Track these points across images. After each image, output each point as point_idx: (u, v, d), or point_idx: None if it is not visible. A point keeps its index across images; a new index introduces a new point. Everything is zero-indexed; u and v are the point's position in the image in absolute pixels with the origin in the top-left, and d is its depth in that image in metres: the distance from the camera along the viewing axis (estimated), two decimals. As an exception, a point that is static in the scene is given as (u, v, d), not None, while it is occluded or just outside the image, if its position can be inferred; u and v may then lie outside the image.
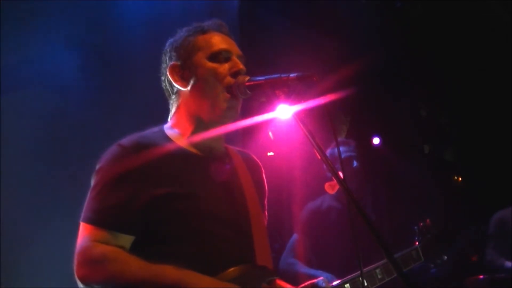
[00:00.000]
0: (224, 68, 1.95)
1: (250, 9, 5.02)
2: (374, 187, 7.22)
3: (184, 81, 1.97)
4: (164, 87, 2.07)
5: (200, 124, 1.96)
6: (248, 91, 1.92)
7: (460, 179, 7.71)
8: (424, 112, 7.35)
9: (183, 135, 1.97)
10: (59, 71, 3.65)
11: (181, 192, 1.82)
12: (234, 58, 1.98)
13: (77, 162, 3.40)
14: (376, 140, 7.15)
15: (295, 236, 3.97)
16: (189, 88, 1.97)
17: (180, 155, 1.91)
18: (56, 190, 3.47)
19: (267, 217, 2.16)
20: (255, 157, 2.20)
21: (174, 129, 1.99)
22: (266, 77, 1.88)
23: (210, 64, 1.95)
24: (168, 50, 2.04)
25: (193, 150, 1.95)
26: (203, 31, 2.01)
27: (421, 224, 2.31)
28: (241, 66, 1.96)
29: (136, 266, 1.68)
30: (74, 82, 3.70)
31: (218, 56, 1.96)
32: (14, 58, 3.48)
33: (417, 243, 2.24)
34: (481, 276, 5.11)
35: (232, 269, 1.79)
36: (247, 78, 1.92)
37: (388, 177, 7.31)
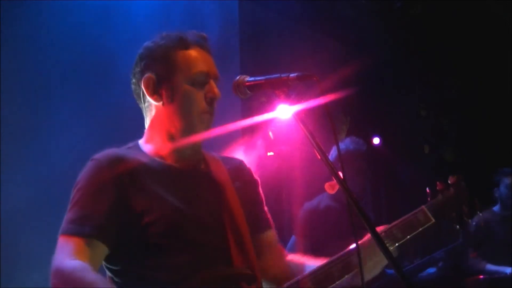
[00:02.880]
0: (201, 93, 1.93)
1: (250, 9, 5.03)
2: (374, 187, 7.23)
3: (158, 96, 1.95)
4: (133, 90, 2.03)
5: (172, 141, 1.95)
6: (248, 91, 1.91)
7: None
8: (424, 112, 7.36)
9: (158, 150, 1.96)
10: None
11: (150, 205, 1.82)
12: (211, 82, 1.95)
13: (80, 161, 3.39)
14: (376, 140, 7.16)
15: (293, 238, 3.96)
16: (162, 104, 1.95)
17: (155, 167, 1.91)
18: (57, 190, 3.47)
19: (266, 212, 2.14)
20: (238, 159, 2.19)
21: (148, 145, 1.99)
22: (266, 77, 1.87)
23: (187, 87, 1.92)
24: (145, 55, 1.99)
25: (168, 161, 1.95)
26: (185, 46, 1.96)
27: (437, 183, 2.12)
28: (217, 93, 1.94)
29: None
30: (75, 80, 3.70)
31: (196, 80, 1.93)
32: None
33: (424, 205, 2.08)
34: (481, 276, 5.12)
35: (203, 274, 1.80)
36: (247, 78, 1.91)
37: (388, 177, 7.32)
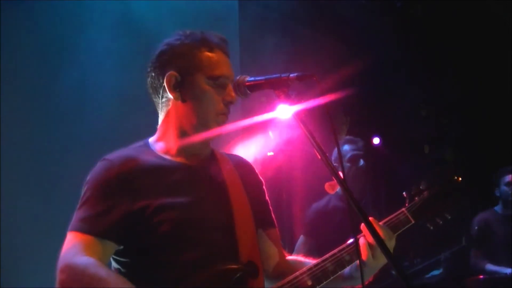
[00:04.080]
0: (219, 95, 1.96)
1: (250, 9, 5.02)
2: (374, 187, 7.23)
3: (178, 93, 1.97)
4: (150, 83, 2.04)
5: (186, 138, 1.99)
6: (248, 91, 1.93)
7: (460, 179, 7.69)
8: (424, 112, 7.36)
9: (168, 148, 2.00)
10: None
11: (158, 203, 1.85)
12: (230, 85, 1.99)
13: (79, 161, 3.39)
14: (376, 140, 7.16)
15: (301, 238, 3.96)
16: (181, 101, 1.98)
17: (165, 166, 1.95)
18: (57, 190, 3.47)
19: (271, 212, 2.18)
20: (244, 158, 2.23)
21: (160, 142, 2.02)
22: (266, 77, 1.88)
23: (208, 88, 1.95)
24: (168, 51, 2.01)
25: (177, 159, 1.98)
26: (210, 48, 1.99)
27: (412, 187, 2.33)
28: (234, 96, 1.97)
29: (113, 283, 1.72)
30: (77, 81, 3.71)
31: (217, 82, 1.96)
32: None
33: (404, 208, 2.28)
34: (481, 276, 5.12)
35: (209, 270, 1.83)
36: (247, 78, 1.92)
37: (388, 177, 7.31)
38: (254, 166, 2.22)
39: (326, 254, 2.05)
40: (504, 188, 5.28)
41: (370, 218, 2.08)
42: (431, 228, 2.32)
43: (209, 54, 1.98)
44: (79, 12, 3.77)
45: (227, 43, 2.05)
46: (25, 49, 3.54)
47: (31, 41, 3.57)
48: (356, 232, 1.98)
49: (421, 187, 2.34)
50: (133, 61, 3.72)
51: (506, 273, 4.96)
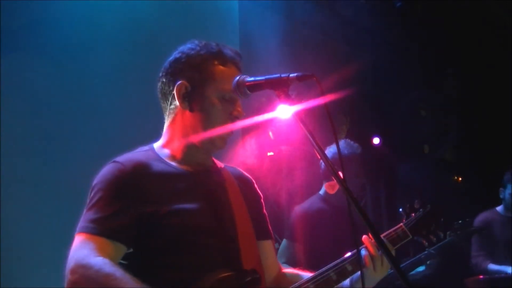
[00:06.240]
0: (228, 109, 1.99)
1: (250, 9, 5.03)
2: (374, 187, 7.23)
3: (187, 103, 2.00)
4: (160, 89, 2.07)
5: (191, 147, 2.02)
6: (248, 91, 1.93)
7: (460, 179, 7.72)
8: (424, 112, 7.36)
9: (174, 155, 2.02)
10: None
11: (167, 208, 1.87)
12: (239, 100, 2.02)
13: (79, 161, 3.40)
14: (376, 140, 7.16)
15: (284, 242, 3.87)
16: (189, 110, 2.00)
17: (172, 172, 1.97)
18: (57, 190, 3.47)
19: (268, 223, 2.21)
20: (244, 172, 2.26)
21: (165, 149, 2.05)
22: (266, 77, 1.87)
23: (217, 101, 1.98)
24: (182, 60, 2.03)
25: (183, 167, 2.01)
26: (224, 62, 2.02)
27: (407, 205, 2.42)
28: (241, 111, 2.02)
29: (130, 283, 1.72)
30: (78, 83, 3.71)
31: (226, 96, 1.99)
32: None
33: (402, 223, 2.36)
34: (481, 276, 5.11)
35: (213, 273, 1.84)
36: (247, 78, 1.92)
37: (388, 177, 7.32)
38: (250, 168, 2.25)
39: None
40: (508, 196, 5.23)
41: (369, 235, 2.12)
42: (426, 244, 2.41)
43: (222, 68, 2.02)
44: (83, 11, 3.77)
45: (241, 57, 2.07)
46: (26, 48, 3.54)
47: (32, 41, 3.57)
48: (354, 233, 1.99)
49: (415, 206, 2.42)
50: (135, 61, 3.73)
51: (507, 272, 4.95)
